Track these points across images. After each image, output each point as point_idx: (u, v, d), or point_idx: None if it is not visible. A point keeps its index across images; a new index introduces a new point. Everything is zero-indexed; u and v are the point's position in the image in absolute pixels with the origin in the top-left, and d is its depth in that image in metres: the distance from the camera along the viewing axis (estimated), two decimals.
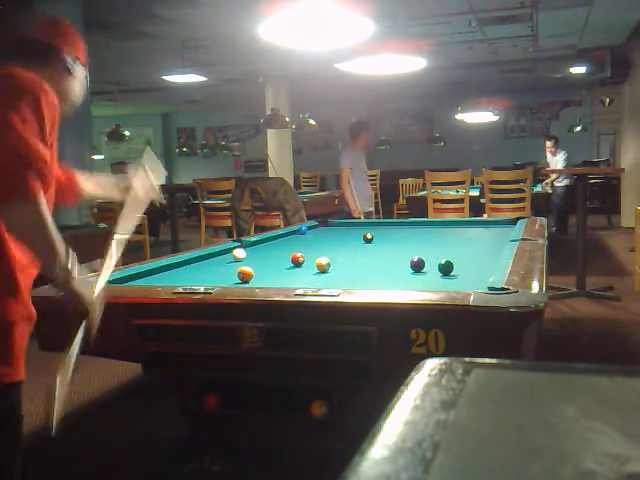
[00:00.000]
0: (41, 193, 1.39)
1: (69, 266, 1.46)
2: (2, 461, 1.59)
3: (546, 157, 9.62)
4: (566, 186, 9.11)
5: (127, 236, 1.83)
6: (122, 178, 1.97)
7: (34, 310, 1.61)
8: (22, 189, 1.37)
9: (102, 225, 4.80)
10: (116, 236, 1.79)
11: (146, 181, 1.97)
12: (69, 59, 1.69)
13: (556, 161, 9.25)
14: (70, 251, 1.47)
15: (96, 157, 12.25)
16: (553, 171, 8.87)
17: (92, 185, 1.96)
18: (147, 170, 1.98)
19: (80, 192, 1.92)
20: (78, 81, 1.74)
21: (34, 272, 1.62)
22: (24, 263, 1.56)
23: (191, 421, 2.04)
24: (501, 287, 1.71)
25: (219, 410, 1.92)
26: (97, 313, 1.56)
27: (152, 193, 1.98)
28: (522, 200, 6.56)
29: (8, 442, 1.60)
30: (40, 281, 1.76)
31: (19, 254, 1.55)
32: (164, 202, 2.08)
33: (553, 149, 9.39)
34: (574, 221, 6.00)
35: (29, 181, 1.37)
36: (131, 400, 3.40)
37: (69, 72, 1.70)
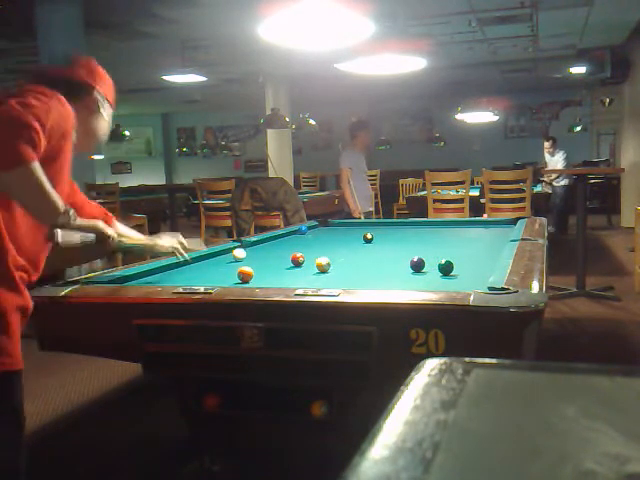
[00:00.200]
0: (34, 159, 1.43)
1: (70, 212, 1.55)
2: (4, 453, 1.58)
3: (544, 157, 9.63)
4: (565, 186, 9.12)
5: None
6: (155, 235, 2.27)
7: (30, 301, 1.63)
8: (15, 158, 1.41)
9: None
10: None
11: (177, 239, 2.25)
12: (100, 97, 1.81)
13: (555, 161, 9.26)
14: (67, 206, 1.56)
15: (96, 157, 12.24)
16: (553, 171, 8.87)
17: (124, 227, 2.16)
18: (183, 239, 2.27)
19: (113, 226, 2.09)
20: (105, 120, 1.86)
21: (26, 276, 1.63)
22: (20, 262, 1.58)
23: (191, 421, 2.04)
24: (501, 287, 1.71)
25: (219, 410, 1.92)
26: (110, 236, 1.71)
27: (177, 246, 2.23)
28: (522, 200, 6.56)
29: (9, 434, 1.59)
30: (40, 282, 1.77)
31: (19, 255, 1.56)
32: (189, 260, 2.32)
33: (551, 149, 9.40)
34: (574, 221, 6.00)
35: (21, 149, 1.40)
36: (131, 400, 3.40)
37: (98, 110, 1.82)
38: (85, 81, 1.79)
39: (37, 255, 1.66)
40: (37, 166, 1.45)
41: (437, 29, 7.67)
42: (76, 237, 1.61)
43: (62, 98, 1.58)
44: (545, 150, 9.51)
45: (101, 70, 1.86)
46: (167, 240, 2.21)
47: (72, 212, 1.57)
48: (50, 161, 1.54)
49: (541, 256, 2.29)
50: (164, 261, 2.53)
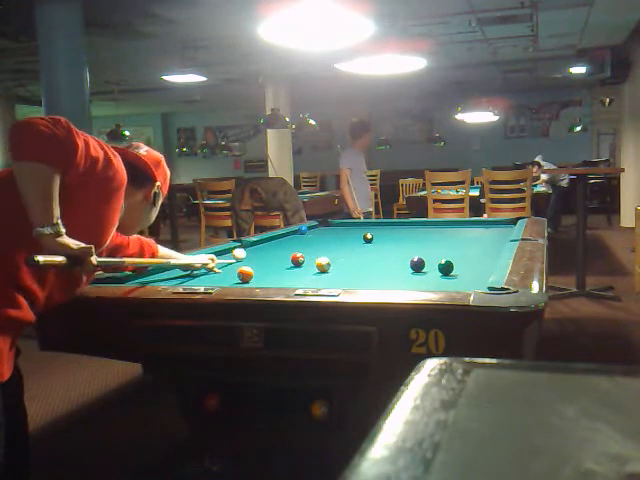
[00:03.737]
0: (55, 166, 1.45)
1: (59, 223, 1.47)
2: None
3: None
4: (557, 186, 9.10)
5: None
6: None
7: (18, 313, 1.55)
8: (39, 155, 1.44)
9: None
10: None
11: (209, 256, 2.37)
12: (158, 191, 1.91)
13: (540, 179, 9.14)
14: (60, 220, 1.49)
15: None
16: (553, 171, 8.87)
17: (167, 250, 2.32)
18: (215, 257, 2.42)
19: (155, 252, 2.22)
20: (155, 213, 1.97)
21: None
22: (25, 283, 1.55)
23: (191, 421, 2.04)
24: (501, 287, 1.71)
25: (219, 410, 1.92)
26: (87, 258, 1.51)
27: (206, 262, 2.32)
28: (522, 200, 6.56)
29: None
30: None
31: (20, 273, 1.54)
32: (219, 272, 2.36)
33: (537, 174, 9.26)
34: (571, 221, 6.00)
35: (49, 156, 1.44)
36: (131, 400, 3.40)
37: (154, 203, 1.91)
38: (152, 172, 1.88)
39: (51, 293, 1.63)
40: (54, 175, 1.45)
41: (437, 29, 7.67)
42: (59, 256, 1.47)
43: (118, 157, 1.64)
44: (533, 174, 9.31)
45: (165, 168, 1.98)
46: (200, 257, 2.36)
47: (60, 227, 1.47)
48: (80, 190, 1.55)
49: (541, 256, 2.29)
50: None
